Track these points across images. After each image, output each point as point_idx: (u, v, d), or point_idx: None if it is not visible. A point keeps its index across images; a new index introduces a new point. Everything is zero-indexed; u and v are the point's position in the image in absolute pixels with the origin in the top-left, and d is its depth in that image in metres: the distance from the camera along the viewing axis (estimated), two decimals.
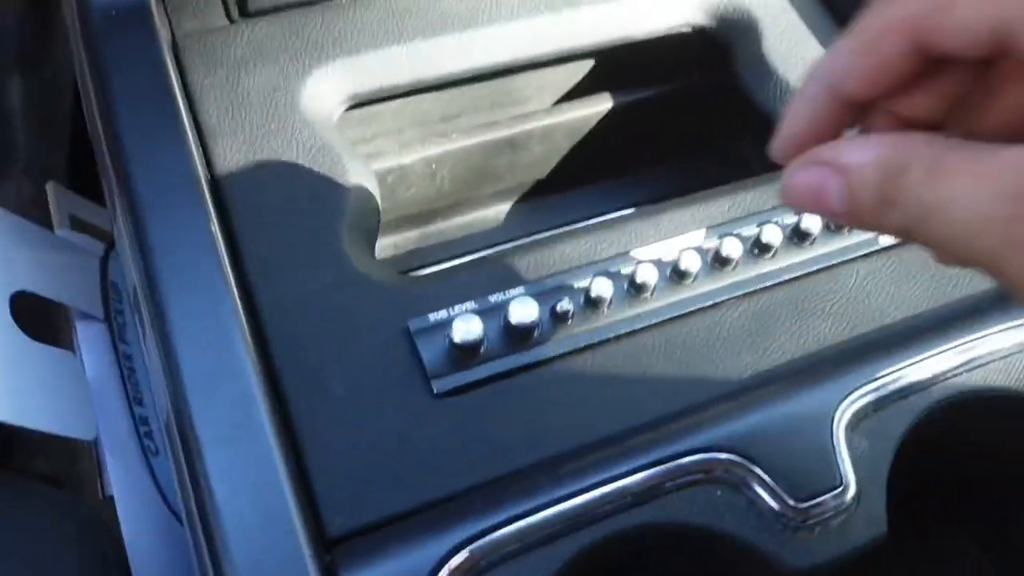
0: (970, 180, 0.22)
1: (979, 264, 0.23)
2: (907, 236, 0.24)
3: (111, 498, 0.47)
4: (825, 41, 0.48)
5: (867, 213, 0.24)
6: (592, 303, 0.36)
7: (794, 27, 0.48)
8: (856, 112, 0.26)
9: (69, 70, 0.81)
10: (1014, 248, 0.21)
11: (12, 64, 0.77)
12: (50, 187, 0.58)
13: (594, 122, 0.51)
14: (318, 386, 0.34)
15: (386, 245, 0.51)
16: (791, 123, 0.27)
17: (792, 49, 0.47)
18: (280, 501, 0.31)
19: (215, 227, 0.37)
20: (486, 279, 0.38)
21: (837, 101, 0.26)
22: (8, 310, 0.45)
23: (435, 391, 0.34)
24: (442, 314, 0.36)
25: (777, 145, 0.27)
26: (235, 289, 0.35)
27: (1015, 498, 0.41)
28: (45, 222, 0.55)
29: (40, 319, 0.51)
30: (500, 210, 0.53)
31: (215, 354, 0.33)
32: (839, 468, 0.33)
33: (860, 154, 0.25)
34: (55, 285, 0.51)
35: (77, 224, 0.58)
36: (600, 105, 0.51)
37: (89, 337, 0.51)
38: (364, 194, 0.40)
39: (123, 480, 0.46)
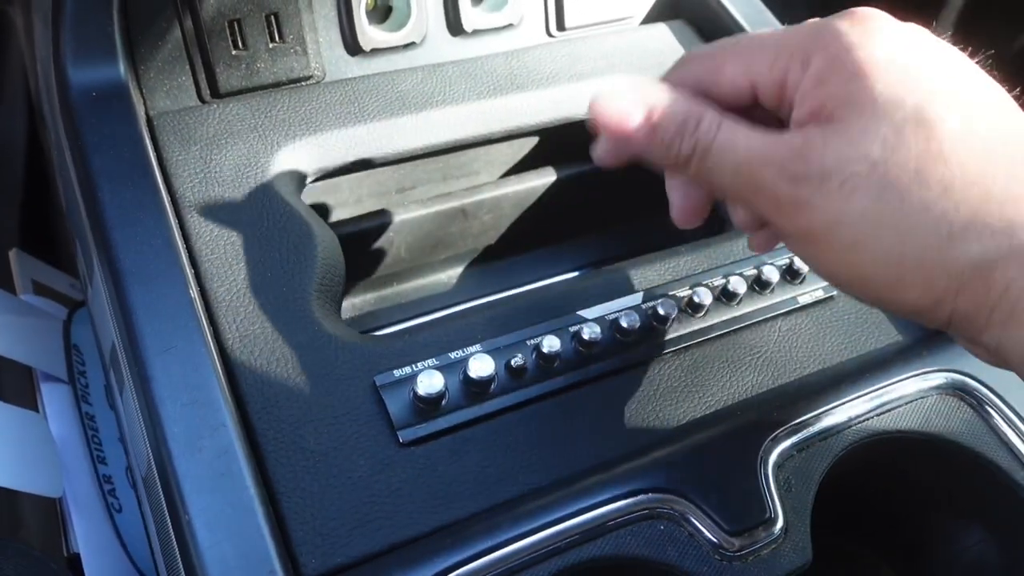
0: (745, 131, 0.31)
1: (739, 195, 0.32)
2: (689, 166, 0.32)
3: (76, 555, 0.48)
4: None
5: (662, 140, 0.32)
6: (544, 358, 0.40)
7: None
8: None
9: (16, 132, 0.83)
10: (788, 180, 0.30)
11: None
12: (13, 253, 0.60)
13: (539, 193, 0.55)
14: (292, 438, 0.37)
15: (346, 307, 0.54)
16: (610, 124, 0.33)
17: None
18: (260, 545, 0.33)
19: (194, 292, 0.39)
20: (445, 337, 0.41)
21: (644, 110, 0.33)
22: None
23: (401, 440, 0.37)
24: (406, 370, 0.39)
25: (601, 148, 0.35)
26: (214, 349, 0.38)
27: (924, 526, 0.46)
28: None
29: (6, 380, 0.52)
30: (452, 274, 0.57)
31: (197, 410, 0.36)
32: (769, 503, 0.37)
33: (665, 96, 0.32)
34: (20, 347, 0.52)
35: (39, 288, 0.59)
36: (544, 178, 0.55)
37: (54, 398, 0.53)
38: (331, 260, 0.43)
39: (89, 537, 0.48)
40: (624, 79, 0.33)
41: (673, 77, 0.34)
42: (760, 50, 0.32)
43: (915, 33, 0.31)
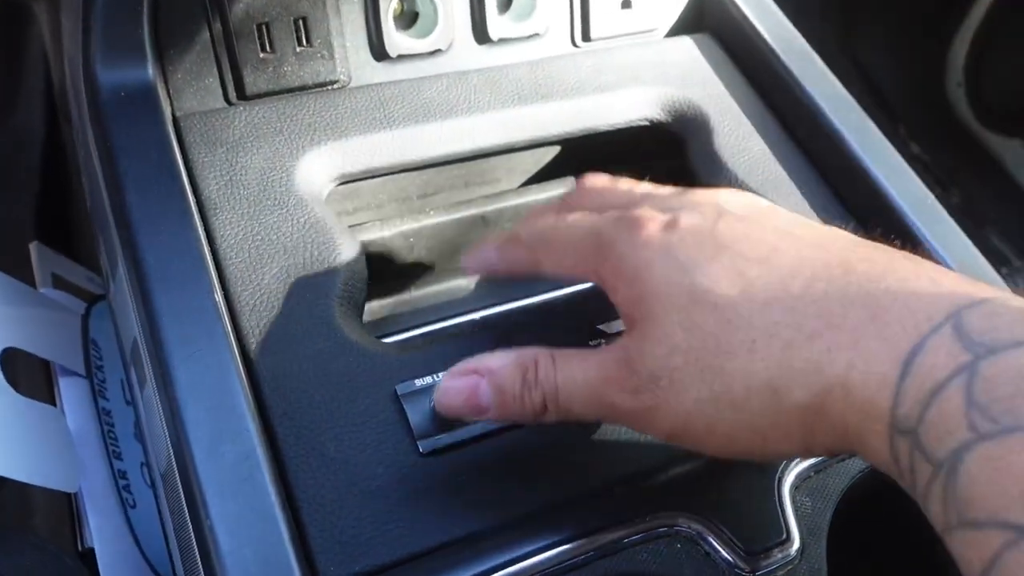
0: (579, 363, 0.34)
1: (596, 414, 0.35)
2: (546, 409, 0.35)
3: (90, 550, 0.48)
4: (768, 138, 0.53)
5: (513, 399, 0.35)
6: None
7: (741, 125, 0.53)
8: None
9: (35, 124, 0.83)
10: (629, 394, 0.32)
11: None
12: (34, 247, 0.60)
13: (558, 203, 0.55)
14: (313, 445, 0.37)
15: (365, 311, 0.54)
16: (469, 260, 0.42)
17: (740, 144, 0.52)
18: (280, 551, 0.33)
19: (218, 295, 0.40)
20: (467, 347, 0.41)
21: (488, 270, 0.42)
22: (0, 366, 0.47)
23: (421, 450, 0.37)
24: (427, 379, 0.39)
25: (464, 263, 0.42)
26: (237, 353, 0.38)
27: (941, 550, 0.46)
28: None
29: (25, 374, 0.52)
30: (472, 281, 0.57)
31: (219, 415, 0.36)
32: (785, 524, 0.37)
33: (499, 358, 0.36)
34: (39, 341, 0.52)
35: (58, 282, 0.60)
36: (565, 187, 0.55)
37: (71, 392, 0.53)
38: (353, 266, 0.44)
39: (104, 532, 0.48)
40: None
41: (509, 255, 0.40)
42: (564, 253, 0.37)
43: (684, 219, 0.33)
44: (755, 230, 0.33)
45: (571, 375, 0.34)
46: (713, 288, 0.31)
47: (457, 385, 0.36)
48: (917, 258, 0.31)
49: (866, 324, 0.28)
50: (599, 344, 0.42)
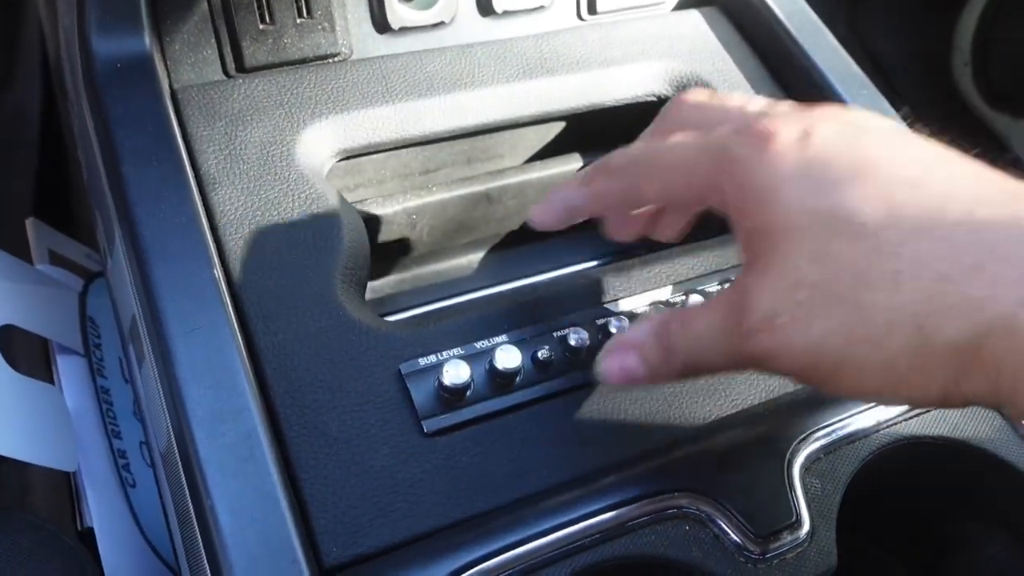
0: (704, 317, 0.32)
1: (734, 365, 0.32)
2: (688, 370, 0.33)
3: (89, 530, 0.48)
4: None
5: (659, 366, 0.33)
6: (570, 351, 0.39)
7: None
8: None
9: (32, 100, 0.82)
10: (745, 339, 0.30)
11: None
12: (30, 223, 0.59)
13: (565, 179, 0.54)
14: (315, 424, 0.36)
15: (367, 288, 0.53)
16: (546, 211, 0.39)
17: None
18: (283, 532, 0.33)
19: (218, 271, 0.39)
20: (470, 326, 0.40)
21: (574, 211, 0.38)
22: None
23: (425, 430, 0.37)
24: (431, 359, 0.39)
25: (538, 219, 0.39)
26: (237, 330, 0.37)
27: (949, 533, 0.45)
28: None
29: (22, 352, 0.52)
30: (474, 259, 0.56)
31: (220, 392, 0.35)
32: (795, 506, 0.36)
33: (639, 331, 0.34)
34: (37, 319, 0.52)
35: (55, 259, 0.59)
36: (570, 164, 0.54)
37: (69, 370, 0.52)
38: (356, 243, 0.43)
39: (103, 512, 0.47)
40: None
41: (599, 188, 0.36)
42: (673, 172, 0.33)
43: (820, 131, 0.30)
44: (901, 149, 0.29)
45: (698, 332, 0.32)
46: (855, 213, 0.28)
47: (611, 365, 0.35)
48: None
49: None
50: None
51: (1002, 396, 0.26)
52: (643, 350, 0.34)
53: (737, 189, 0.30)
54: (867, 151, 0.29)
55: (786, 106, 0.33)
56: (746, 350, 0.30)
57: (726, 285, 0.43)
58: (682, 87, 0.53)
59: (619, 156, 0.36)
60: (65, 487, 0.55)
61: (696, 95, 0.37)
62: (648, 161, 0.34)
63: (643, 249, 0.47)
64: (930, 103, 1.32)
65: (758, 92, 0.53)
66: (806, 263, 0.28)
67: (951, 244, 0.26)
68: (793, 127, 0.30)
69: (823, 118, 0.30)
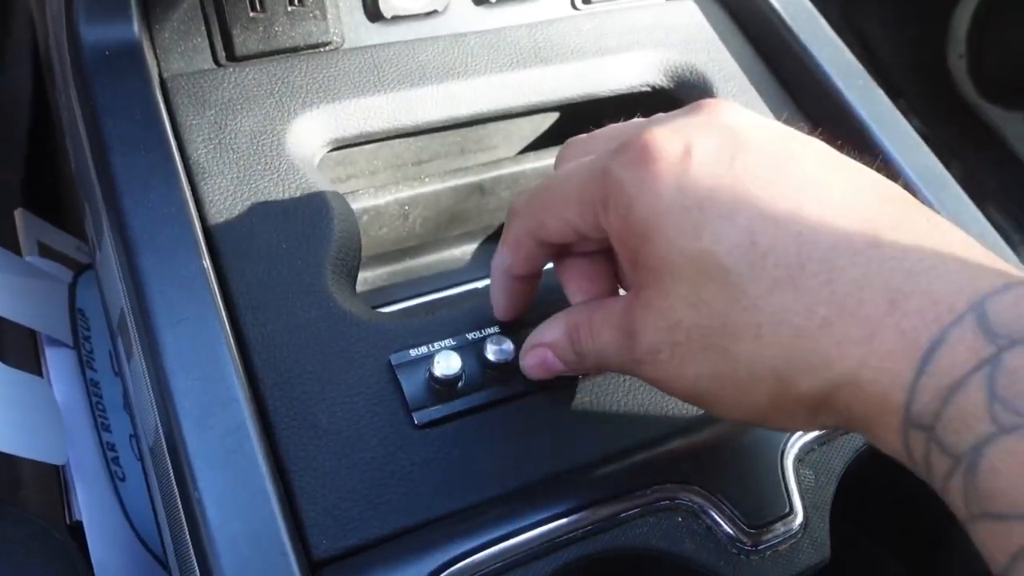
0: (607, 329, 0.33)
1: (632, 375, 0.35)
2: (600, 370, 0.35)
3: (78, 523, 0.47)
4: (772, 102, 0.52)
5: (573, 364, 0.35)
6: None
7: (745, 91, 0.52)
8: (537, 279, 0.38)
9: (21, 89, 0.81)
10: (636, 364, 0.32)
11: None
12: (19, 214, 0.58)
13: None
14: (305, 416, 0.36)
15: (358, 280, 0.53)
16: (499, 304, 0.39)
17: None
18: (271, 524, 0.32)
19: (206, 262, 0.38)
20: (462, 317, 0.40)
21: (518, 279, 0.37)
22: None
23: (416, 422, 0.36)
24: (423, 349, 0.38)
25: (502, 318, 0.39)
26: (226, 321, 0.37)
27: (943, 527, 0.45)
28: None
29: (11, 344, 0.51)
30: (467, 250, 0.56)
31: (208, 384, 0.35)
32: (788, 497, 0.36)
33: (552, 331, 0.36)
34: (26, 311, 0.51)
35: (44, 250, 0.58)
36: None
37: (58, 363, 0.52)
38: (347, 233, 0.42)
39: (92, 505, 0.47)
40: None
41: (514, 236, 0.36)
42: (566, 203, 0.33)
43: (700, 148, 0.30)
44: (776, 176, 0.29)
45: (604, 343, 0.33)
46: (723, 260, 0.28)
47: (532, 361, 0.36)
48: (946, 226, 0.29)
49: (883, 313, 0.26)
50: None
51: (863, 434, 0.29)
52: (558, 350, 0.35)
53: (620, 221, 0.31)
54: (743, 177, 0.29)
55: (666, 113, 0.34)
56: (638, 373, 0.33)
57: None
58: (677, 77, 0.53)
59: (517, 199, 0.36)
60: (55, 481, 0.54)
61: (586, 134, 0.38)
62: (543, 197, 0.34)
63: None
64: (924, 94, 1.32)
65: (754, 83, 0.53)
66: (683, 306, 0.29)
67: (806, 298, 0.27)
68: (673, 143, 0.30)
69: (705, 129, 0.30)
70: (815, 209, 0.28)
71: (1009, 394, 0.24)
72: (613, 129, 0.36)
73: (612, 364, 0.34)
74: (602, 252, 0.37)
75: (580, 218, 0.33)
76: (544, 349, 0.36)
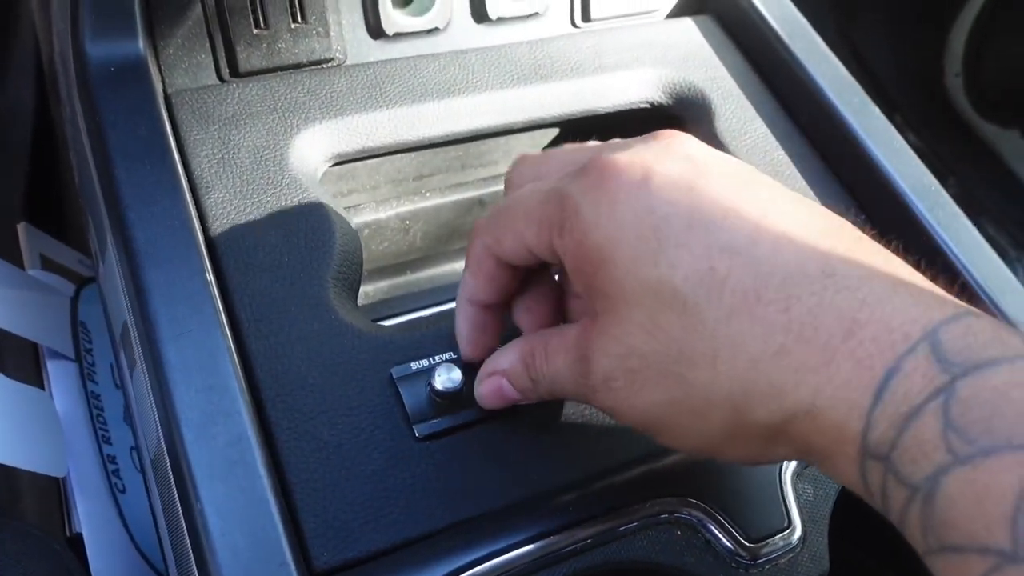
0: (561, 355, 0.33)
1: (585, 403, 0.35)
2: (555, 397, 0.35)
3: (78, 535, 0.47)
4: (770, 121, 0.52)
5: (529, 391, 0.35)
6: None
7: (743, 108, 0.53)
8: (500, 310, 0.38)
9: (24, 103, 0.82)
10: (590, 391, 0.32)
11: None
12: (22, 227, 0.59)
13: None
14: (306, 428, 0.36)
15: (359, 294, 0.53)
16: (463, 337, 0.38)
17: (741, 127, 0.52)
18: (272, 535, 0.33)
19: (209, 275, 0.39)
20: None
21: (483, 309, 0.37)
22: None
23: (417, 435, 0.37)
24: (423, 363, 0.39)
25: (465, 353, 0.38)
26: (228, 334, 0.37)
27: None
28: None
29: (12, 356, 0.51)
30: None
31: (210, 396, 0.35)
32: (787, 511, 0.36)
33: (507, 358, 0.35)
34: (28, 323, 0.52)
35: (47, 263, 0.59)
36: None
37: (60, 375, 0.52)
38: (348, 247, 0.43)
39: (92, 517, 0.47)
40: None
41: (475, 254, 0.36)
42: (524, 222, 0.33)
43: (659, 172, 0.30)
44: (733, 204, 0.29)
45: (557, 370, 0.33)
46: (681, 286, 0.28)
47: (487, 390, 0.36)
48: (895, 259, 0.29)
49: (839, 342, 0.26)
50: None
51: (819, 465, 0.29)
52: (512, 377, 0.35)
53: (576, 246, 0.31)
54: (700, 204, 0.29)
55: (626, 140, 0.33)
56: (592, 400, 0.32)
57: None
58: (675, 93, 0.53)
59: (482, 217, 0.36)
60: (54, 493, 0.55)
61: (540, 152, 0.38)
62: (502, 212, 0.34)
63: None
64: (921, 112, 1.33)
65: (751, 100, 0.53)
66: (638, 332, 0.29)
67: (763, 326, 0.27)
68: (632, 168, 0.30)
69: (664, 156, 0.30)
70: (772, 238, 0.28)
71: (963, 423, 0.24)
72: (568, 151, 0.36)
73: (567, 391, 0.34)
74: (551, 286, 0.37)
75: (536, 239, 0.32)
76: (499, 377, 0.36)
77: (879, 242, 0.30)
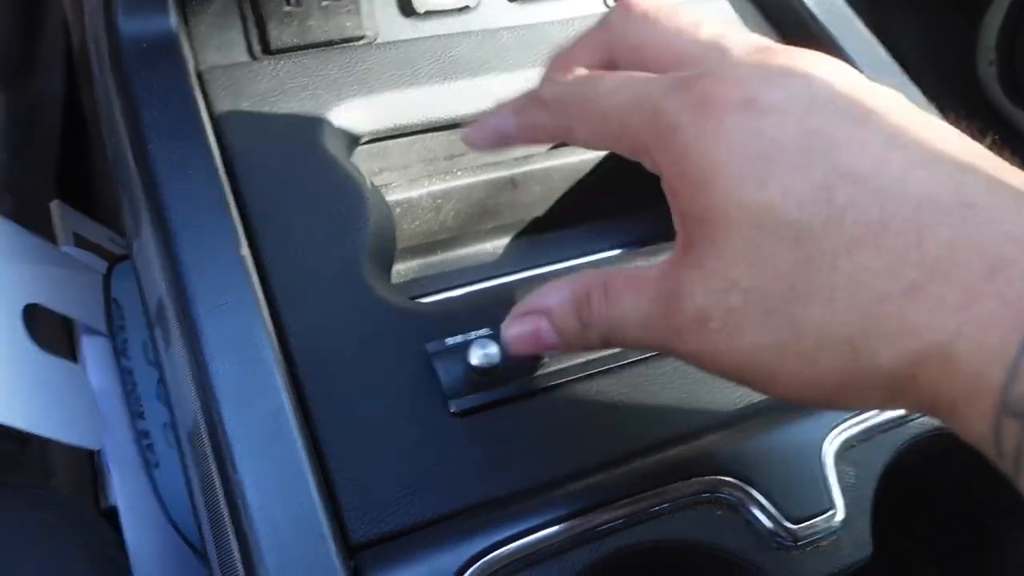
0: (631, 294, 0.30)
1: (657, 350, 0.31)
2: (607, 344, 0.31)
3: (113, 508, 0.48)
4: None
5: (574, 337, 0.31)
6: None
7: None
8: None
9: (54, 87, 0.82)
10: (673, 334, 0.28)
11: None
12: (55, 205, 0.59)
13: (591, 165, 0.54)
14: (342, 402, 0.36)
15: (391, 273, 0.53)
16: (477, 133, 0.36)
17: None
18: (310, 509, 0.33)
19: (245, 249, 0.39)
20: (500, 307, 0.40)
21: (502, 140, 0.35)
22: (22, 321, 0.47)
23: (452, 410, 0.36)
24: (459, 338, 0.38)
25: (469, 138, 0.36)
26: (266, 310, 0.37)
27: (981, 531, 0.45)
28: None
29: (47, 331, 0.52)
30: (499, 244, 0.56)
31: (248, 369, 0.35)
32: (828, 493, 0.36)
33: (555, 295, 0.32)
34: (62, 299, 0.52)
35: (80, 241, 0.59)
36: (597, 151, 0.54)
37: (94, 350, 0.52)
38: (383, 225, 0.43)
39: (127, 491, 0.47)
40: None
41: (531, 120, 0.34)
42: (605, 123, 0.30)
43: (767, 98, 0.27)
44: (854, 131, 0.26)
45: (623, 311, 0.30)
46: (794, 212, 0.25)
47: (520, 330, 0.33)
48: None
49: (981, 280, 0.23)
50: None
51: (940, 416, 0.25)
52: (557, 318, 0.32)
53: (671, 164, 0.28)
54: (818, 130, 0.26)
55: (740, 47, 0.30)
56: (673, 345, 0.29)
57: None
58: None
59: (551, 88, 0.33)
60: (86, 470, 0.55)
61: (641, 6, 0.33)
62: (580, 102, 0.31)
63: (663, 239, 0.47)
64: (954, 102, 1.31)
65: None
66: (741, 264, 0.26)
67: (892, 257, 0.24)
68: (738, 89, 0.27)
69: (776, 77, 0.27)
70: (899, 165, 0.25)
71: None
72: (667, 42, 0.32)
73: (630, 337, 0.30)
74: None
75: (618, 144, 0.30)
76: (538, 317, 0.32)
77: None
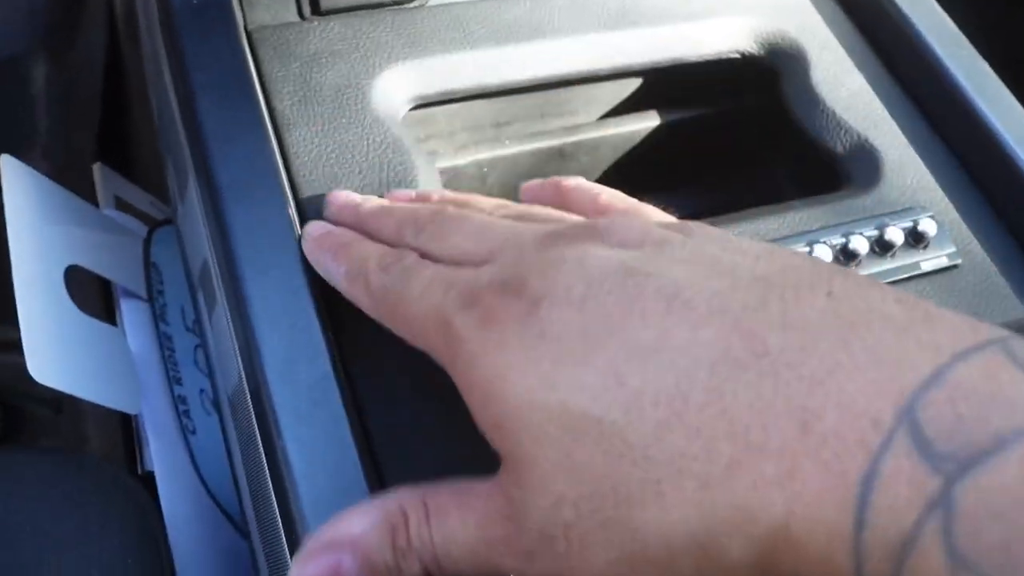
0: (458, 514, 0.26)
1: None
2: (431, 573, 0.27)
3: (149, 474, 0.47)
4: (868, 73, 0.50)
5: (390, 570, 0.26)
6: None
7: (840, 60, 0.50)
8: None
9: (96, 52, 0.82)
10: (524, 559, 0.25)
11: (38, 47, 0.78)
12: (97, 168, 0.59)
13: (641, 137, 0.53)
14: (385, 373, 0.35)
15: None
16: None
17: (838, 79, 0.49)
18: (354, 477, 0.32)
19: (292, 212, 0.38)
20: None
21: None
22: (63, 282, 0.46)
23: None
24: None
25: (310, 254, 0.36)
26: (311, 275, 0.36)
27: None
28: None
29: (87, 293, 0.51)
30: None
31: (294, 336, 0.34)
32: None
33: (361, 520, 0.27)
34: (102, 261, 0.51)
35: (121, 204, 0.59)
36: (647, 122, 0.53)
37: (133, 314, 0.52)
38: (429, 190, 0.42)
39: (164, 456, 0.47)
40: None
41: (351, 293, 0.34)
42: (406, 327, 0.31)
43: (552, 298, 0.25)
44: (632, 306, 0.24)
45: (450, 534, 0.26)
46: (591, 407, 0.23)
47: (313, 570, 0.27)
48: (853, 289, 0.23)
49: (796, 440, 0.21)
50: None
51: None
52: (365, 550, 0.27)
53: (462, 376, 0.27)
54: (594, 313, 0.25)
55: (529, 239, 0.29)
56: (525, 571, 0.25)
57: (817, 247, 0.41)
58: (768, 43, 0.51)
59: (377, 278, 0.32)
60: (119, 436, 0.55)
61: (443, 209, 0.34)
62: (394, 303, 0.31)
63: (726, 210, 0.46)
64: (1013, 90, 1.27)
65: (848, 51, 0.51)
66: (559, 474, 0.24)
67: (700, 437, 0.22)
68: (516, 302, 0.26)
69: (550, 271, 0.26)
70: (684, 329, 0.23)
71: (973, 553, 0.18)
72: (476, 238, 0.31)
73: (463, 564, 0.26)
74: None
75: (425, 348, 0.30)
76: (339, 551, 0.27)
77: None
